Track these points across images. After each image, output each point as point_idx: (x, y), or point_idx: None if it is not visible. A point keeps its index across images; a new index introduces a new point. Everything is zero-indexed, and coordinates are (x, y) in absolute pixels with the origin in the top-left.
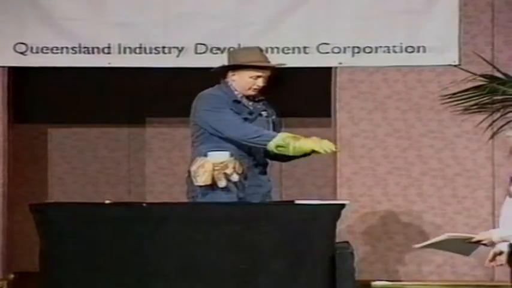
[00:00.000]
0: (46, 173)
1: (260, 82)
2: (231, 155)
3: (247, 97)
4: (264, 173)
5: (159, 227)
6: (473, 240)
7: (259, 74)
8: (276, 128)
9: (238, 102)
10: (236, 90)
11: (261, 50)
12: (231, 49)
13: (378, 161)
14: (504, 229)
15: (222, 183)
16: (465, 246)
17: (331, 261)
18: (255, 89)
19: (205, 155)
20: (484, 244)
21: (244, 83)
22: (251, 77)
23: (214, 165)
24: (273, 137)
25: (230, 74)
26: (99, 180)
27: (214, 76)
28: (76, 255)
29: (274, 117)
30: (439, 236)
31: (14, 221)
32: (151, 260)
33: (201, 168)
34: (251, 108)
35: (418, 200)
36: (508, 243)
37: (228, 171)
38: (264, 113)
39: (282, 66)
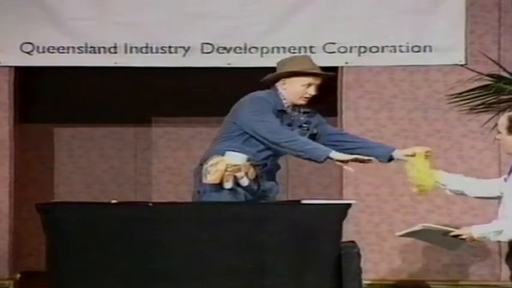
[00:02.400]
0: (52, 172)
1: (312, 90)
2: (248, 160)
3: (295, 108)
4: (273, 178)
5: (165, 227)
6: (452, 234)
7: (311, 81)
8: (322, 133)
9: (283, 111)
10: (285, 99)
11: (310, 58)
12: (236, 49)
13: None
14: (487, 226)
15: (229, 184)
16: (447, 240)
17: (338, 261)
18: (306, 97)
19: (223, 154)
20: (463, 239)
21: (295, 91)
22: (303, 85)
23: (228, 166)
24: (307, 144)
25: (281, 82)
26: (105, 180)
27: (221, 75)
28: (82, 255)
29: (314, 129)
30: (415, 226)
31: (21, 221)
32: (157, 259)
33: (214, 166)
34: (292, 119)
35: (424, 200)
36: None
37: (239, 174)
38: (305, 126)
39: (333, 74)
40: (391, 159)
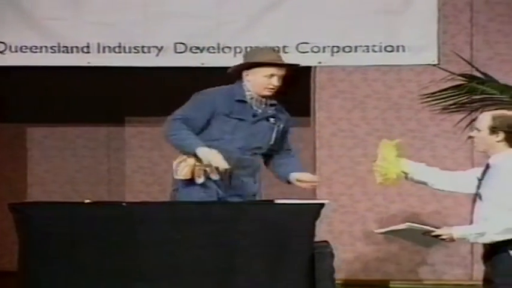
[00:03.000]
0: (25, 172)
1: (275, 81)
2: (218, 153)
3: (262, 100)
4: (251, 175)
5: (138, 227)
6: (433, 234)
7: (273, 72)
8: (283, 136)
9: (243, 102)
10: (249, 90)
11: (274, 49)
12: (209, 48)
13: (358, 160)
14: (469, 227)
15: (200, 179)
16: (425, 239)
17: (311, 260)
18: (270, 88)
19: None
20: (443, 239)
21: (258, 82)
22: (265, 76)
23: (196, 161)
24: (192, 145)
25: (245, 73)
26: (78, 180)
27: (196, 75)
28: (55, 255)
29: (282, 125)
30: (400, 225)
31: None
32: (130, 259)
33: (183, 162)
34: (257, 111)
35: (397, 200)
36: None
37: (209, 168)
38: (271, 119)
39: (296, 65)
40: (288, 181)
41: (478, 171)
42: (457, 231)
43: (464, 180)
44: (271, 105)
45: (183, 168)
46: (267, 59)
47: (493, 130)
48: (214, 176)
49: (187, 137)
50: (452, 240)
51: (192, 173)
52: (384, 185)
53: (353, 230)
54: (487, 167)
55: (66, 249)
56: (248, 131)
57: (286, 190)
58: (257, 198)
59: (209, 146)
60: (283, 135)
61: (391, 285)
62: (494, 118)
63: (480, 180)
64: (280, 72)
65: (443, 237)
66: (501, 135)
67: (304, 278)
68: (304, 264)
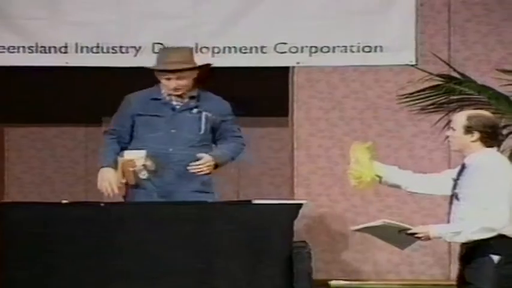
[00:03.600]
0: (3, 172)
1: (171, 84)
2: (146, 153)
3: (181, 95)
4: (191, 173)
5: (116, 227)
6: (409, 231)
7: (169, 76)
8: (219, 124)
9: (158, 99)
10: (164, 89)
11: (178, 48)
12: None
13: (336, 160)
14: (446, 226)
15: (132, 180)
16: (400, 237)
17: (289, 260)
18: (173, 89)
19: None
20: (419, 238)
21: (162, 84)
22: (163, 79)
23: (123, 163)
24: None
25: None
26: (56, 180)
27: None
28: (33, 255)
29: (210, 113)
30: (376, 221)
31: None
32: (108, 259)
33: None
34: (174, 104)
35: (375, 200)
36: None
37: (137, 168)
38: (194, 110)
39: (191, 68)
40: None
41: (453, 172)
42: (433, 230)
43: (438, 182)
44: (191, 97)
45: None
46: (154, 65)
47: (468, 130)
48: (144, 175)
49: (106, 153)
50: (428, 238)
51: (123, 176)
52: (358, 189)
53: (331, 230)
54: (463, 166)
55: (43, 250)
56: (170, 126)
57: (264, 190)
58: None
59: (143, 146)
60: (217, 123)
61: (368, 286)
62: (469, 118)
63: (456, 180)
64: (177, 75)
65: (419, 235)
66: (476, 135)
67: (282, 278)
68: (282, 264)
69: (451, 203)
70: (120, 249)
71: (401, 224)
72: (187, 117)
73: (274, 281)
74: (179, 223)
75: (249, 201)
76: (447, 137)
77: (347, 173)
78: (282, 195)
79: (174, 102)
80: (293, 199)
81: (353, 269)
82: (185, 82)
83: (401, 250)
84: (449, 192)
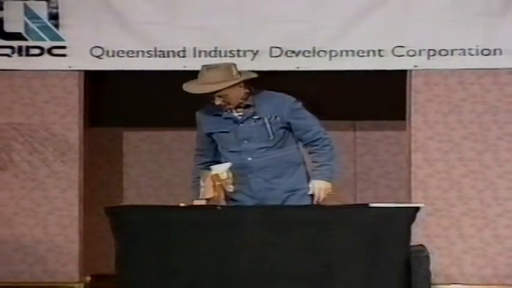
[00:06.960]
0: (121, 176)
1: (217, 101)
2: (230, 166)
3: (238, 105)
4: (279, 176)
5: (233, 230)
6: None
7: (210, 95)
8: (280, 125)
9: (219, 115)
10: None
11: (214, 68)
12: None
13: (453, 164)
14: None
15: (221, 195)
16: None
17: (407, 264)
18: (221, 106)
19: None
20: None
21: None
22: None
23: (212, 179)
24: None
25: None
26: (174, 183)
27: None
28: (151, 258)
29: (271, 117)
30: None
31: (90, 224)
32: (225, 263)
33: (202, 182)
34: (236, 116)
35: (493, 204)
36: None
37: (223, 182)
38: (255, 117)
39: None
40: None
41: None
42: None
43: None
44: (247, 106)
45: (204, 190)
46: (190, 88)
47: None
48: (230, 188)
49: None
50: None
51: (214, 191)
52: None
53: (449, 234)
54: None
55: (160, 253)
56: (240, 139)
57: (381, 194)
58: (301, 193)
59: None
60: (284, 122)
61: None
62: None
63: None
64: (217, 93)
65: None
66: None
67: (400, 283)
68: (400, 269)
69: None
70: (237, 252)
71: None
72: (253, 126)
73: (392, 285)
74: (297, 226)
75: (366, 204)
76: None
77: (465, 176)
78: (399, 198)
79: (235, 114)
80: (410, 202)
81: (472, 273)
82: (229, 98)
83: None
84: None
